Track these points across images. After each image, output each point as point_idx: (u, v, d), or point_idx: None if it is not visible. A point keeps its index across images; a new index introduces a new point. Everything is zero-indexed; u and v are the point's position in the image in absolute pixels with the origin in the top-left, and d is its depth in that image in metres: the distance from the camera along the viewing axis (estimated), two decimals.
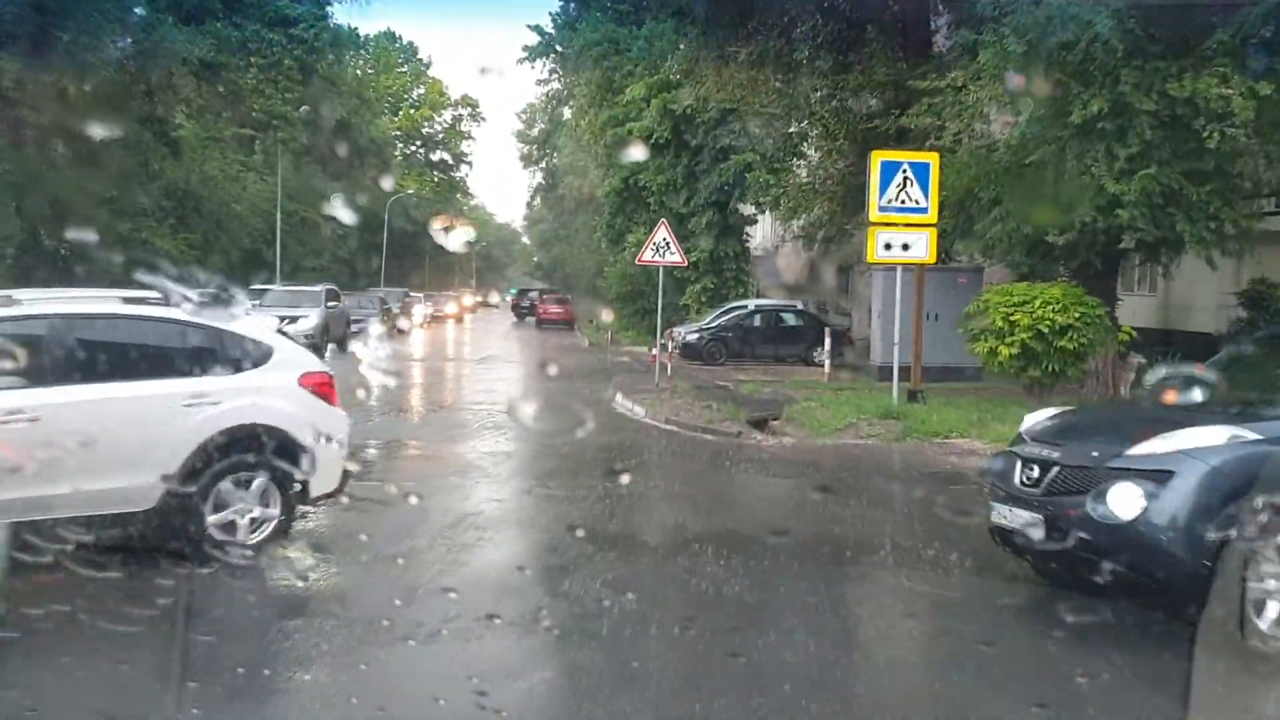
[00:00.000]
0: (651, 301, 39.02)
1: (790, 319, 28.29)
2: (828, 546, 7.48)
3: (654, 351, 20.92)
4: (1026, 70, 13.72)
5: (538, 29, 47.58)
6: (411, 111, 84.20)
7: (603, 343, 36.53)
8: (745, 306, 29.89)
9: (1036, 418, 6.92)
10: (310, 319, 25.53)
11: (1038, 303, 14.07)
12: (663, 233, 19.49)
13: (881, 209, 14.37)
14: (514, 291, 69.14)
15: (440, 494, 9.26)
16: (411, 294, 47.16)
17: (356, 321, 32.58)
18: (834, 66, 21.34)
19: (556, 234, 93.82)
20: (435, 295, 53.53)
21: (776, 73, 22.63)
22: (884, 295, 20.43)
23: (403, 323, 41.32)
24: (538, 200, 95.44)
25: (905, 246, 14.45)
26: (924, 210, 14.41)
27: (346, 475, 7.35)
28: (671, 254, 19.48)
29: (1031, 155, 14.47)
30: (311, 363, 7.37)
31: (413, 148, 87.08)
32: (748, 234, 34.56)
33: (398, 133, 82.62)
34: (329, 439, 7.08)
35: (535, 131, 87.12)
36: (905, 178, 14.30)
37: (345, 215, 61.86)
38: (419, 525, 7.61)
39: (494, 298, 79.29)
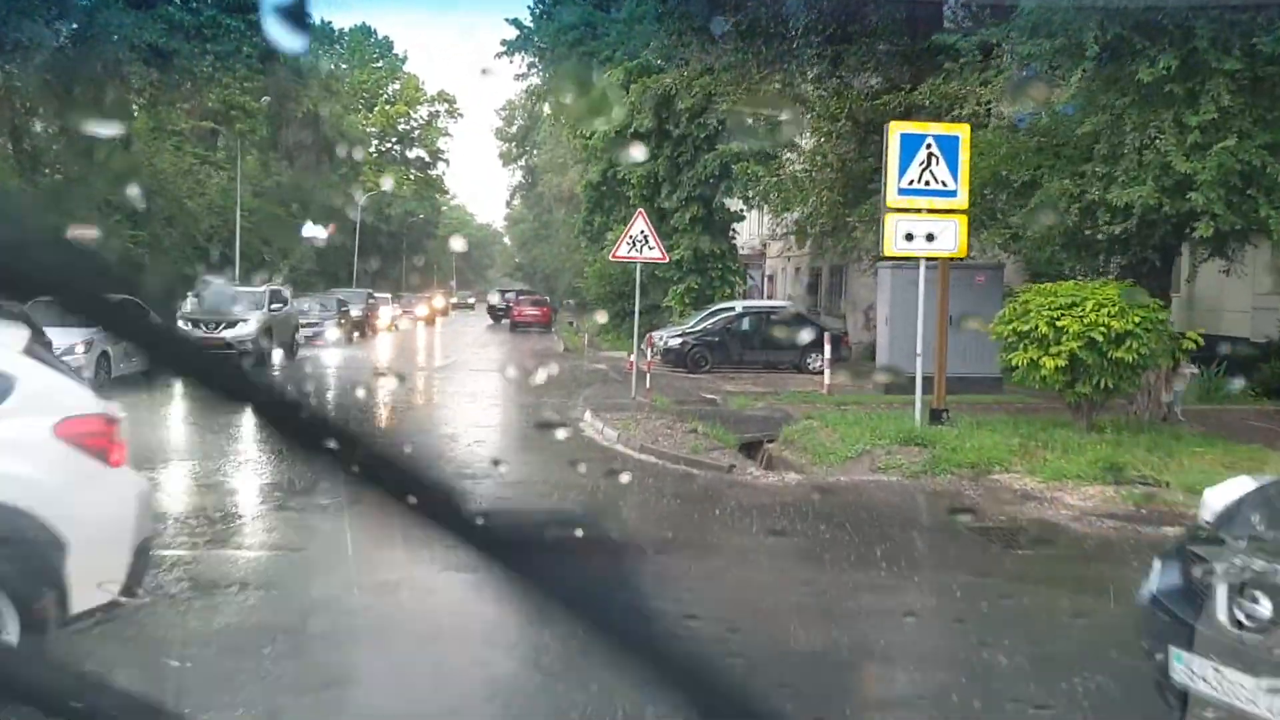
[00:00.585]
0: (632, 303, 36.61)
1: (781, 322, 25.83)
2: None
3: (632, 358, 18.48)
4: (1078, 22, 11.29)
5: (516, 22, 45.42)
6: (387, 107, 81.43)
7: (579, 347, 34.05)
8: (732, 309, 27.44)
9: (1226, 493, 4.34)
10: (249, 324, 22.96)
11: (1089, 305, 11.63)
12: (640, 225, 17.01)
13: (901, 192, 11.90)
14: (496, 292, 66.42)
15: (290, 586, 6.64)
16: (377, 295, 44.48)
17: (312, 326, 30.01)
18: (832, 36, 18.88)
19: (537, 234, 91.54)
20: (405, 297, 50.90)
21: (767, 47, 20.20)
22: (894, 296, 18.03)
23: (370, 326, 38.72)
24: (517, 199, 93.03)
25: (929, 237, 11.99)
26: (952, 194, 11.96)
27: (141, 566, 4.84)
28: (650, 249, 17.00)
29: (1081, 127, 12.05)
30: (78, 402, 4.80)
31: (388, 144, 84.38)
32: (735, 231, 32.09)
33: (373, 129, 79.86)
34: (103, 518, 4.57)
35: (514, 129, 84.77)
36: (930, 154, 11.85)
37: (316, 214, 59.57)
38: (237, 653, 5.02)
39: (470, 299, 76.48)
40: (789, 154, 24.91)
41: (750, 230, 39.45)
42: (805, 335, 24.90)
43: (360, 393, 19.88)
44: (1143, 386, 12.51)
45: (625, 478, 10.50)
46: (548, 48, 42.29)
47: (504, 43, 47.90)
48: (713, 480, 10.43)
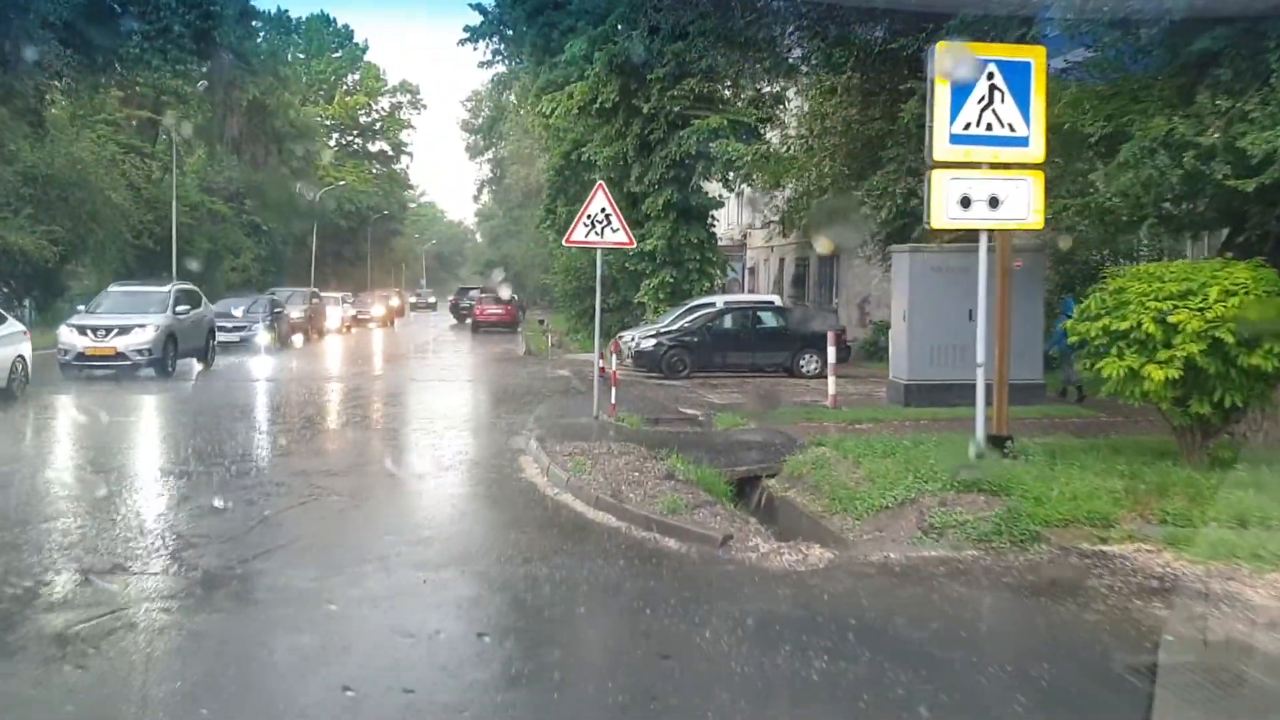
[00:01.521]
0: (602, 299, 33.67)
1: (770, 320, 22.53)
2: None
3: (601, 363, 15.22)
4: None
5: (479, 7, 41.91)
6: (346, 99, 77.52)
7: (544, 349, 30.70)
8: (713, 304, 24.17)
9: None
10: (146, 329, 19.46)
11: (1213, 294, 8.37)
12: (600, 201, 13.65)
13: (955, 140, 8.57)
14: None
15: None
16: (324, 294, 40.78)
17: (236, 330, 26.50)
18: None
19: (506, 230, 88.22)
20: (360, 296, 47.18)
21: None
22: (915, 286, 14.79)
23: (314, 328, 35.15)
24: (485, 194, 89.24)
25: (993, 202, 8.66)
26: (1022, 142, 8.68)
27: None
28: (614, 230, 13.65)
29: (1192, 44, 8.79)
30: None
31: (349, 137, 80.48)
32: (714, 219, 28.71)
33: (331, 121, 75.95)
34: None
35: (480, 120, 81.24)
36: (992, 88, 8.55)
37: (270, 209, 55.75)
38: None
39: (431, 298, 72.31)
40: (780, 121, 21.68)
41: (729, 219, 36.29)
42: (797, 333, 21.67)
43: (245, 415, 16.48)
44: (1277, 403, 9.26)
45: (574, 556, 7.14)
46: (507, 23, 38.77)
47: (467, 29, 44.53)
48: (699, 565, 6.97)
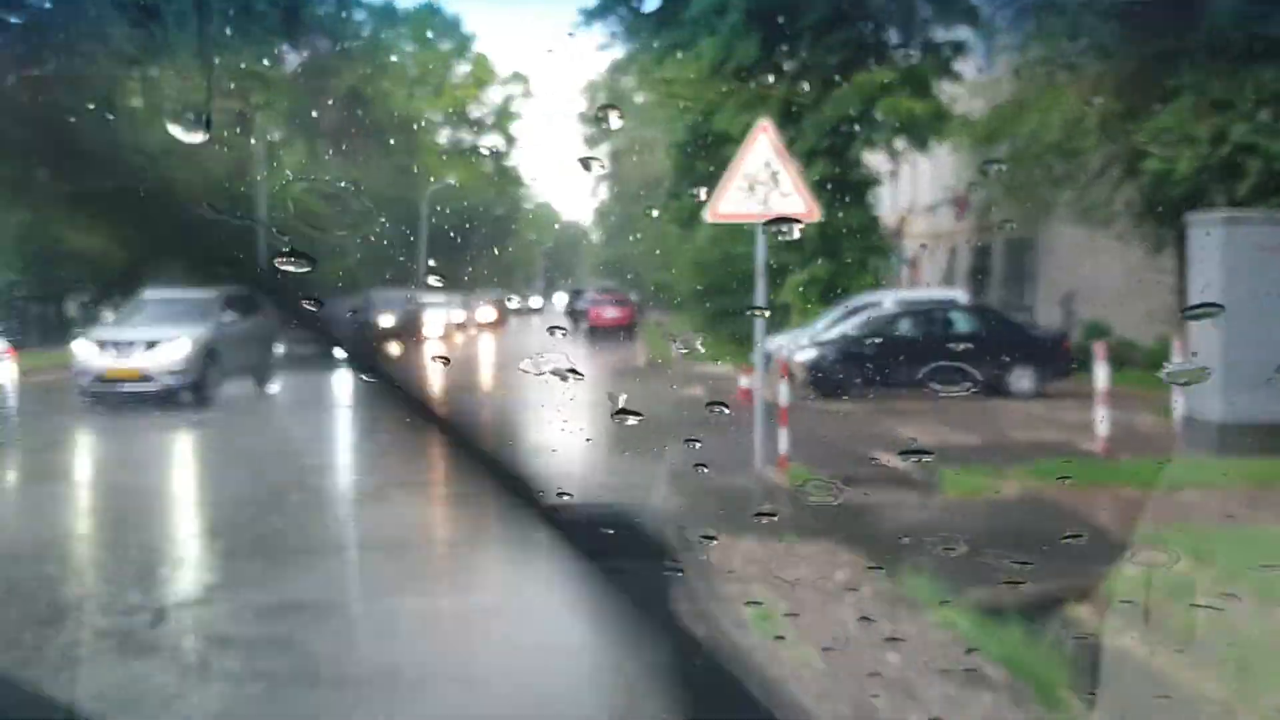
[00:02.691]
0: (736, 299, 28.94)
1: (963, 323, 17.55)
2: None
3: (747, 382, 10.65)
4: None
5: None
6: (455, 91, 74.20)
7: (668, 359, 25.94)
8: (878, 304, 19.30)
9: None
10: (176, 344, 15.56)
11: None
12: (763, 150, 9.00)
13: None
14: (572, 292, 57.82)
15: None
16: (425, 297, 36.71)
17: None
18: None
19: (623, 227, 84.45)
20: (467, 298, 43.06)
21: None
22: (1233, 273, 9.84)
23: (413, 335, 31.21)
24: (601, 189, 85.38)
25: None
26: None
27: None
28: (784, 195, 8.98)
29: None
30: None
31: (459, 134, 77.13)
32: (874, 197, 23.73)
33: (439, 116, 72.64)
34: None
35: (597, 111, 77.26)
36: None
37: (376, 206, 52.53)
38: None
39: (534, 300, 67.64)
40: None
41: (893, 199, 30.90)
42: (1000, 340, 16.68)
43: (296, 468, 12.21)
44: None
45: None
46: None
47: (582, 12, 40.69)
48: None
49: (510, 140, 79.83)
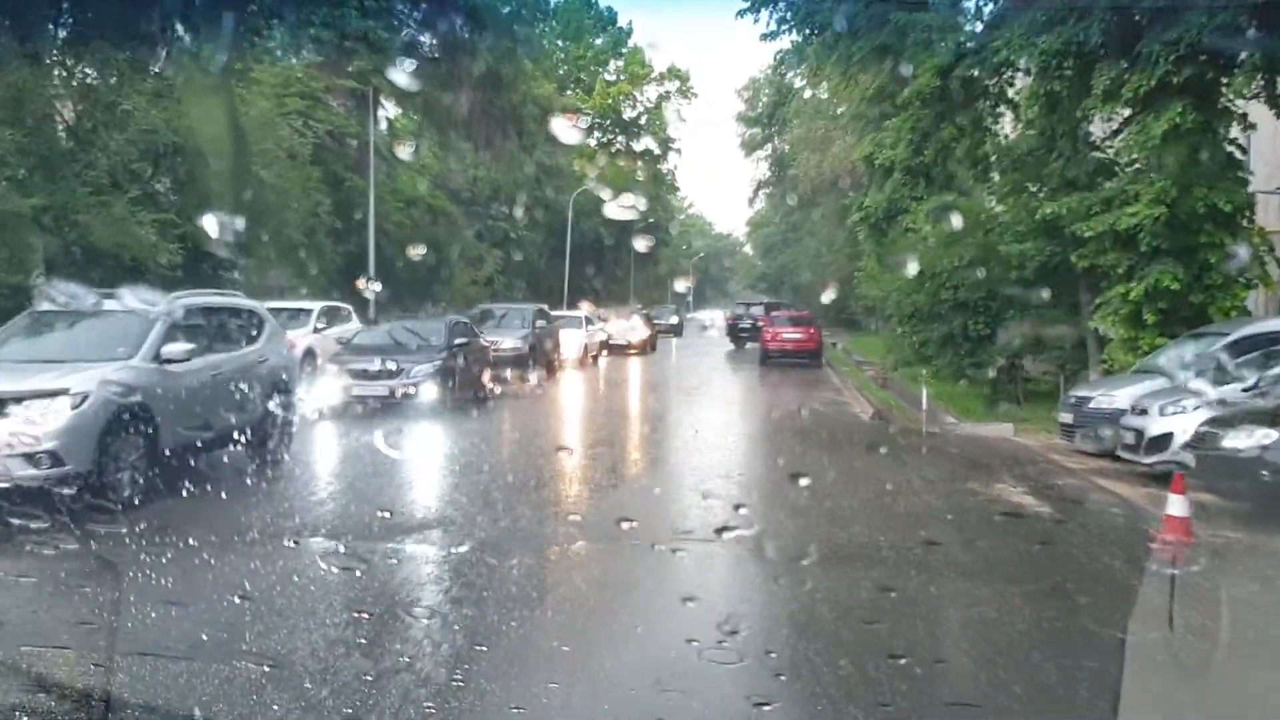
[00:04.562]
0: (975, 325, 21.00)
1: None
2: None
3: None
4: None
5: None
6: (609, 89, 67.28)
7: (914, 420, 17.40)
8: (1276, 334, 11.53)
9: None
10: (59, 403, 8.70)
11: None
12: None
13: None
14: (734, 310, 49.13)
15: None
16: (560, 313, 29.62)
17: (384, 378, 15.72)
18: None
19: (784, 236, 76.72)
20: (609, 315, 35.80)
21: None
22: None
23: (548, 360, 24.28)
24: (760, 198, 77.34)
25: None
26: None
27: None
28: None
29: None
30: None
31: (610, 135, 70.20)
32: (1247, 170, 15.49)
33: (591, 113, 65.69)
34: None
35: (759, 110, 69.91)
36: None
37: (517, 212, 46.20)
38: None
39: (674, 317, 58.81)
40: None
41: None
42: None
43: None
44: None
45: None
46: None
47: None
48: None
49: (665, 142, 72.56)
